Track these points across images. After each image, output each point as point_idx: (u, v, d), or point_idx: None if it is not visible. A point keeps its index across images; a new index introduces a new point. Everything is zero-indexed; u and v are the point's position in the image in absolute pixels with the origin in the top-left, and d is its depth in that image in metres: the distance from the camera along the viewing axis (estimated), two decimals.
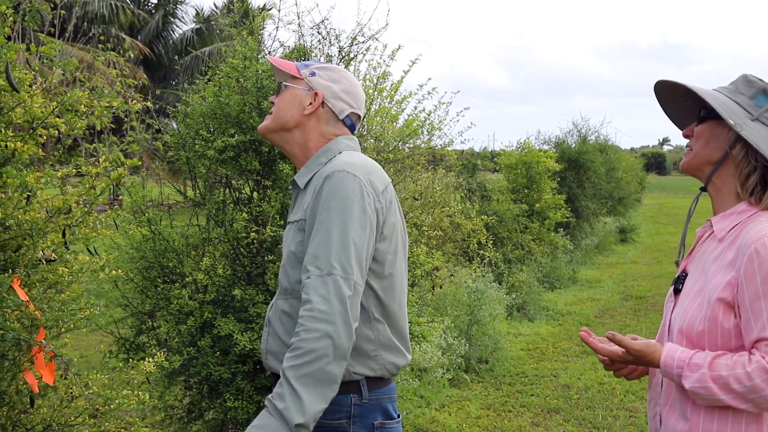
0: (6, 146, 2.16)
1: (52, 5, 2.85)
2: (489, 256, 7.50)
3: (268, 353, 1.75)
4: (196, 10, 23.36)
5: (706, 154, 1.58)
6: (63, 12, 2.90)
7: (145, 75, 18.12)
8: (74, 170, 2.42)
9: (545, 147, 11.79)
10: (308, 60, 3.53)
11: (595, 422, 4.55)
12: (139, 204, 3.33)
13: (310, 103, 1.78)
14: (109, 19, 19.44)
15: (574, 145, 12.51)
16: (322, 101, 1.78)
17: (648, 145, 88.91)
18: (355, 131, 1.86)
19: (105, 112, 2.44)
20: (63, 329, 2.31)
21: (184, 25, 23.09)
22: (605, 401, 4.94)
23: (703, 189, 1.64)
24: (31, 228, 2.12)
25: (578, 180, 12.01)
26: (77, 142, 2.64)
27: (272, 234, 3.11)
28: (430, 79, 4.73)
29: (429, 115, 4.94)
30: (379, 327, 1.69)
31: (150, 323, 3.42)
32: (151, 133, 3.54)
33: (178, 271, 3.30)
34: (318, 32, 3.56)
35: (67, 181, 2.45)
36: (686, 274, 1.62)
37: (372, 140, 4.51)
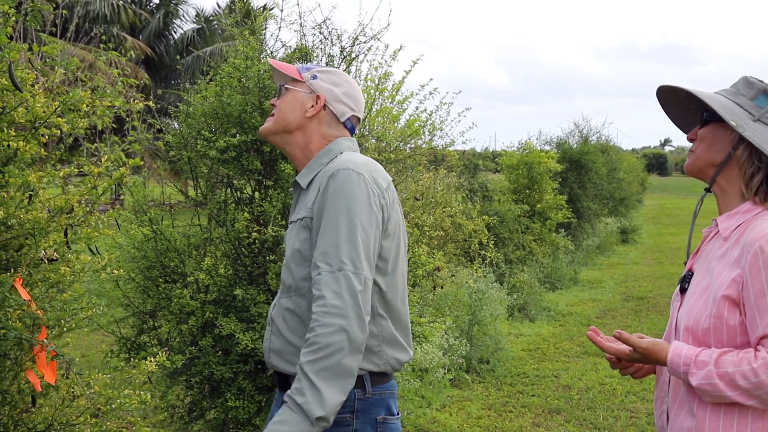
0: (8, 145, 2.16)
1: (54, 5, 2.85)
2: (490, 257, 7.50)
3: (271, 352, 1.77)
4: (196, 10, 23.35)
5: (709, 156, 1.61)
6: (65, 12, 2.90)
7: (146, 75, 18.14)
8: (76, 170, 2.42)
9: (546, 147, 11.79)
10: (310, 61, 3.53)
11: (596, 423, 4.55)
12: (141, 204, 3.33)
13: (312, 106, 1.80)
14: (111, 19, 19.45)
15: (575, 145, 12.51)
16: (324, 104, 1.81)
17: (649, 146, 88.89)
18: (355, 133, 1.89)
19: (107, 111, 2.44)
20: (65, 329, 2.31)
21: (185, 25, 23.12)
22: (606, 402, 4.94)
23: (708, 190, 1.66)
24: (33, 227, 2.12)
25: (579, 180, 12.00)
26: (79, 142, 2.64)
27: (274, 234, 3.11)
28: (431, 79, 4.74)
29: (430, 115, 4.95)
30: (382, 323, 1.72)
31: (151, 323, 3.42)
32: (153, 132, 3.54)
33: (179, 270, 3.30)
34: (320, 32, 3.57)
35: (69, 180, 2.45)
36: (692, 273, 1.63)
37: (373, 140, 4.51)
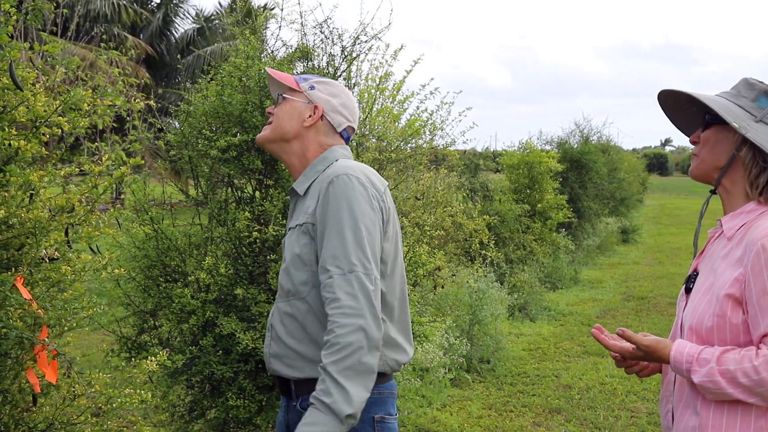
0: (9, 144, 2.16)
1: (55, 4, 2.85)
2: (491, 256, 7.50)
3: (271, 357, 1.80)
4: (195, 10, 23.33)
5: (713, 159, 1.62)
6: (65, 11, 2.90)
7: (147, 74, 18.14)
8: (77, 169, 2.42)
9: (547, 147, 11.79)
10: (311, 60, 3.53)
11: (596, 422, 4.55)
12: (142, 203, 3.33)
13: (310, 116, 1.84)
14: (111, 18, 19.44)
15: (576, 145, 12.51)
16: (322, 114, 1.85)
17: (650, 146, 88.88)
18: (350, 142, 1.93)
19: (108, 111, 2.44)
20: (65, 328, 2.31)
21: (186, 24, 23.11)
22: (607, 401, 4.94)
23: (713, 192, 1.67)
24: (34, 226, 2.12)
25: (580, 180, 12.00)
26: (79, 141, 2.64)
27: (274, 233, 3.11)
28: (432, 79, 4.74)
29: (431, 115, 4.95)
30: (381, 325, 1.72)
31: (152, 322, 3.42)
32: (154, 132, 3.54)
33: (180, 270, 3.30)
34: (321, 31, 3.57)
35: (69, 179, 2.45)
36: (697, 273, 1.64)
37: (374, 140, 4.52)
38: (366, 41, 3.62)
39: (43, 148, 2.32)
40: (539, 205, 9.67)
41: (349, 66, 3.71)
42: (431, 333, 4.10)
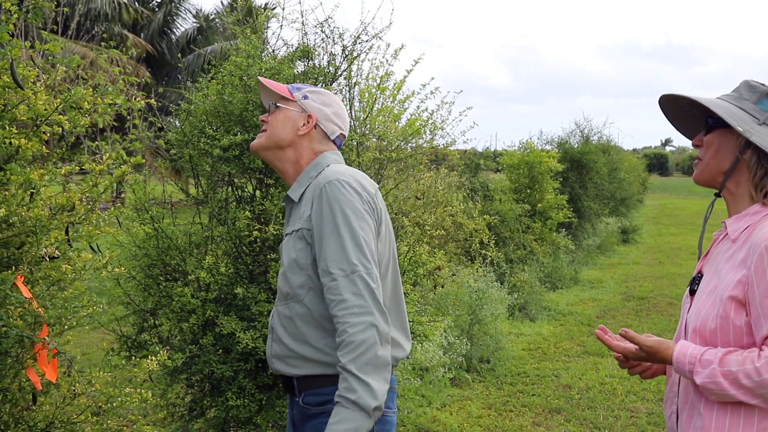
0: (10, 143, 2.16)
1: (56, 3, 2.85)
2: (491, 256, 7.50)
3: (273, 358, 1.86)
4: (196, 10, 23.31)
5: (717, 163, 1.61)
6: (66, 9, 2.90)
7: (147, 72, 18.14)
8: (77, 168, 2.42)
9: (548, 147, 11.79)
10: (311, 59, 3.53)
11: (596, 422, 4.55)
12: (142, 202, 3.33)
13: (304, 125, 1.91)
14: (112, 17, 19.43)
15: (576, 145, 12.51)
16: (316, 123, 1.92)
17: (650, 146, 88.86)
18: (341, 148, 2.00)
19: (108, 109, 2.43)
20: (66, 326, 2.31)
21: (187, 23, 23.10)
22: (606, 401, 4.94)
23: (718, 195, 1.66)
24: (34, 225, 2.12)
25: (580, 180, 12.00)
26: (80, 140, 2.64)
27: (275, 232, 3.11)
28: (432, 78, 4.74)
29: (432, 114, 4.95)
30: None
31: (152, 321, 3.42)
32: (154, 131, 3.54)
33: (180, 269, 3.30)
34: (321, 31, 3.57)
35: (70, 178, 2.44)
36: (702, 275, 1.64)
37: (375, 139, 4.51)
38: (367, 40, 3.63)
39: (44, 147, 2.32)
40: (539, 205, 9.67)
41: (349, 65, 3.71)
42: (431, 332, 4.11)
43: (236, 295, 3.13)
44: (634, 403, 4.89)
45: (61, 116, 2.29)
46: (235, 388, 3.13)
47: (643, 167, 26.69)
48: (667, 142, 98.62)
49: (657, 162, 56.24)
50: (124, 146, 2.57)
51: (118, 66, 2.95)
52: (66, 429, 2.36)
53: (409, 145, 4.96)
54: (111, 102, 2.44)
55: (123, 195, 5.53)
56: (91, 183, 2.32)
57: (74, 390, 2.39)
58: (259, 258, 3.26)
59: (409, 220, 5.35)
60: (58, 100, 2.29)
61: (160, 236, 3.29)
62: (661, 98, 1.73)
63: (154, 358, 2.56)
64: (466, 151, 8.53)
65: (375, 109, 4.61)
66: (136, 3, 21.45)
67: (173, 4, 22.43)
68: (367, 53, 3.73)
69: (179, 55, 20.84)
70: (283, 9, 3.54)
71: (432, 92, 4.96)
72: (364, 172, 1.97)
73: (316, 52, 3.56)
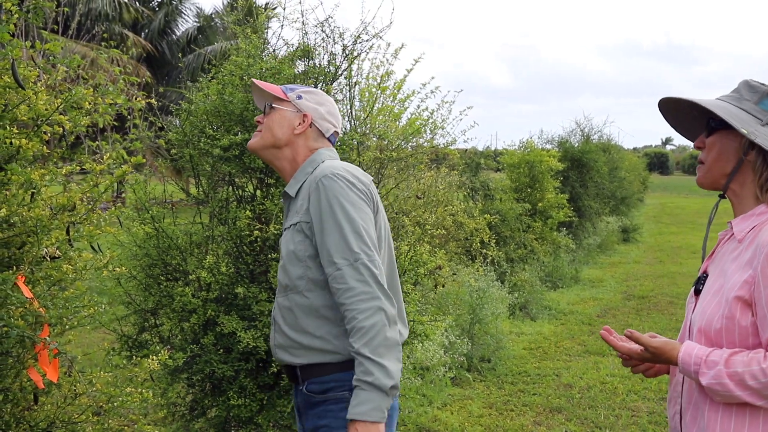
0: (11, 143, 2.16)
1: (56, 2, 2.85)
2: (491, 255, 7.50)
3: (276, 347, 1.94)
4: (197, 9, 23.31)
5: (720, 166, 1.60)
6: (67, 9, 2.90)
7: (148, 72, 18.12)
8: (78, 167, 2.42)
9: (548, 146, 11.78)
10: (312, 59, 3.53)
11: (597, 421, 4.55)
12: (143, 201, 3.33)
13: (300, 124, 1.98)
14: (113, 17, 19.43)
15: (577, 144, 12.50)
16: (311, 122, 1.99)
17: (651, 145, 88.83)
18: (335, 144, 2.08)
19: (109, 109, 2.43)
20: (67, 326, 2.31)
21: (187, 23, 23.09)
22: (607, 401, 4.94)
23: (722, 196, 1.65)
24: (35, 225, 2.12)
25: (581, 179, 12.00)
26: (80, 140, 2.64)
27: (275, 232, 3.11)
28: (433, 77, 4.73)
29: (432, 113, 4.94)
30: None
31: (153, 321, 3.42)
32: (155, 130, 3.54)
33: (181, 268, 3.30)
34: (322, 30, 3.56)
35: (71, 178, 2.45)
36: (707, 275, 1.63)
37: (375, 139, 4.51)
38: (367, 40, 3.62)
39: (45, 147, 2.32)
40: (540, 204, 9.67)
41: (350, 65, 3.71)
42: (432, 332, 4.10)
43: (237, 294, 3.13)
44: (635, 402, 4.89)
45: (61, 116, 2.29)
46: (236, 388, 3.13)
47: (644, 166, 26.67)
48: (668, 141, 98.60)
49: (657, 161, 56.20)
50: (124, 146, 2.57)
51: (119, 66, 2.96)
52: (67, 429, 2.37)
53: (410, 144, 4.96)
54: (111, 102, 2.44)
55: (124, 195, 5.53)
56: (91, 183, 2.32)
57: (75, 390, 2.40)
58: (259, 257, 3.26)
59: (410, 220, 5.35)
60: (59, 99, 2.29)
61: (160, 236, 3.29)
62: (660, 101, 1.72)
63: (155, 357, 2.57)
64: (466, 150, 8.53)
65: (375, 108, 4.61)
66: (137, 2, 21.45)
67: (174, 3, 22.42)
68: (368, 53, 3.73)
69: (180, 54, 20.84)
70: (284, 8, 3.54)
71: (432, 91, 4.95)
72: (365, 172, 2.01)
73: (317, 52, 3.56)
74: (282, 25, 3.56)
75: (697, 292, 1.62)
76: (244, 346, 2.98)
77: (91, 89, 2.37)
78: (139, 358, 2.64)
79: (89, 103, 2.36)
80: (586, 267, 10.93)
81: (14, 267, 2.12)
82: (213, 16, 22.47)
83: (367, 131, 4.40)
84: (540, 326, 7.21)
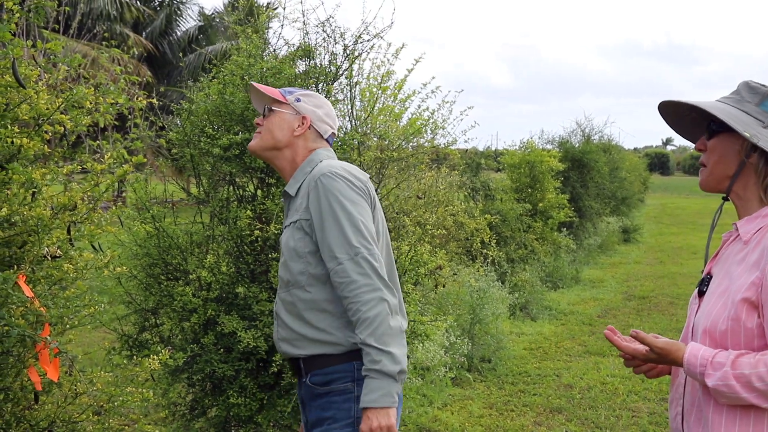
0: (12, 142, 2.16)
1: (58, 2, 2.85)
2: (492, 255, 7.50)
3: (280, 341, 2.00)
4: (199, 9, 23.33)
5: (722, 169, 1.59)
6: (68, 8, 2.90)
7: (149, 72, 18.13)
8: (79, 167, 2.43)
9: (549, 146, 11.78)
10: (312, 59, 3.53)
11: (597, 422, 4.55)
12: (144, 201, 3.33)
13: (299, 126, 2.05)
14: (114, 16, 19.43)
15: (577, 144, 12.50)
16: (310, 124, 2.06)
17: (651, 145, 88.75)
18: (332, 144, 2.15)
19: (110, 109, 2.44)
20: (67, 326, 2.31)
21: (188, 23, 23.10)
22: (608, 401, 4.94)
23: (726, 198, 1.64)
24: (36, 224, 2.13)
25: (582, 179, 11.99)
26: (81, 139, 2.65)
27: (276, 231, 3.11)
28: (433, 77, 4.73)
29: (432, 113, 4.94)
30: None
31: (153, 320, 3.42)
32: (155, 130, 3.54)
33: (181, 268, 3.30)
34: (323, 30, 3.56)
35: (71, 177, 2.45)
36: (710, 277, 1.61)
37: (376, 139, 4.51)
38: (368, 40, 3.63)
39: (46, 146, 2.32)
40: (540, 205, 9.67)
41: (351, 65, 3.71)
42: (432, 332, 4.10)
43: (237, 294, 3.13)
44: (635, 403, 4.89)
45: (62, 115, 2.30)
46: (237, 387, 3.13)
47: (644, 166, 26.65)
48: (668, 141, 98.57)
49: (658, 161, 56.13)
50: (125, 145, 2.57)
51: (120, 65, 2.96)
52: (67, 428, 2.37)
53: (410, 144, 4.95)
54: (112, 101, 2.45)
55: (124, 194, 5.53)
56: (92, 182, 2.33)
57: (76, 389, 2.40)
58: (260, 257, 3.26)
59: (411, 220, 5.35)
60: (60, 99, 2.29)
61: (161, 235, 3.29)
62: (660, 104, 1.71)
63: (155, 357, 2.57)
64: (467, 150, 8.53)
65: (376, 108, 4.60)
66: (138, 2, 21.44)
67: (175, 3, 22.43)
68: (369, 53, 3.73)
69: (181, 54, 20.85)
70: (285, 8, 3.54)
71: (433, 91, 4.95)
72: (365, 171, 2.05)
73: (318, 52, 3.56)
74: (283, 25, 3.56)
75: (701, 294, 1.61)
76: (245, 345, 2.98)
77: (92, 88, 2.38)
78: (139, 358, 2.65)
79: (90, 103, 2.37)
80: (586, 267, 10.93)
81: (15, 266, 2.12)
82: (214, 15, 22.47)
83: (368, 131, 4.40)
84: (540, 326, 7.20)
